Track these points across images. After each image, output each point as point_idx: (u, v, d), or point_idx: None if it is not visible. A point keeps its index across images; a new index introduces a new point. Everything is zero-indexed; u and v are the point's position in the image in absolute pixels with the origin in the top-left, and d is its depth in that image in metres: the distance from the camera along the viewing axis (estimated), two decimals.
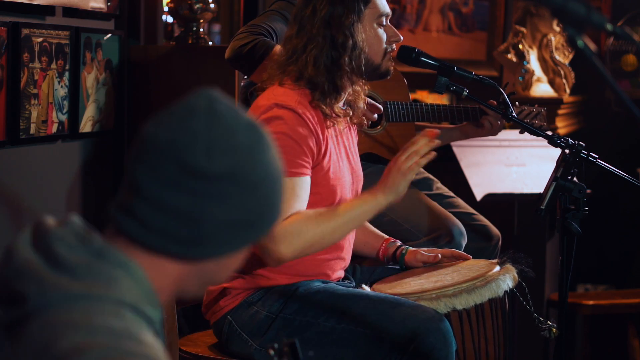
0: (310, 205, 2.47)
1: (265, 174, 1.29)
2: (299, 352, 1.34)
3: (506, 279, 2.49)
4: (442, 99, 4.79)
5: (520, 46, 4.75)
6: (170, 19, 4.26)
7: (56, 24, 3.29)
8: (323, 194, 2.50)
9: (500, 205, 4.14)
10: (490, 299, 2.46)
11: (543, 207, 2.43)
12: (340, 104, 2.54)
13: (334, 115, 2.50)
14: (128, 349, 1.15)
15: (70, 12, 3.36)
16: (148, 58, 3.78)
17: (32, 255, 1.24)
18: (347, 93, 2.53)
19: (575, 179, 2.44)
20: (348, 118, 2.56)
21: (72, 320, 1.17)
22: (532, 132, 2.63)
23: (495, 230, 3.37)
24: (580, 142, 2.47)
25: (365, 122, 2.71)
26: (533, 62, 4.81)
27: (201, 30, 3.86)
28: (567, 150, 2.47)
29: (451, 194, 3.46)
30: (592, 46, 1.48)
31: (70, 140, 3.43)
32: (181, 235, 1.27)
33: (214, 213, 1.26)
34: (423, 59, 2.71)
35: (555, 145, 2.50)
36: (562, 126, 4.77)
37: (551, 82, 4.88)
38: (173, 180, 1.25)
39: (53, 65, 3.26)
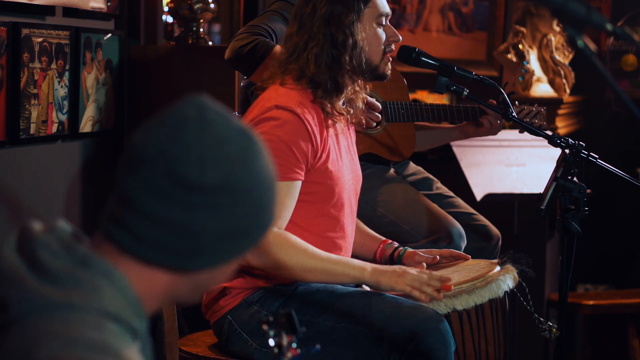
0: (310, 204, 2.48)
1: (258, 181, 1.28)
2: (295, 323, 1.34)
3: (506, 279, 2.49)
4: (442, 99, 4.79)
5: (520, 46, 4.75)
6: (170, 19, 4.26)
7: (56, 24, 3.29)
8: (322, 194, 2.50)
9: (500, 205, 4.14)
10: (490, 299, 2.46)
11: (543, 207, 2.43)
12: (341, 102, 2.54)
13: (335, 113, 2.51)
14: None
15: (70, 12, 3.36)
16: (148, 58, 3.78)
17: (17, 261, 1.23)
18: (348, 91, 2.54)
19: (575, 179, 2.44)
20: (348, 117, 2.57)
21: (51, 330, 1.16)
22: (532, 132, 2.63)
23: (495, 230, 3.37)
24: (580, 142, 2.46)
25: (364, 122, 2.71)
26: (533, 62, 4.81)
27: (201, 30, 3.86)
28: (567, 150, 2.46)
29: (451, 193, 3.46)
30: (592, 46, 1.48)
31: (70, 140, 3.43)
32: (176, 248, 1.25)
33: (208, 225, 1.25)
34: (423, 59, 2.71)
35: (555, 145, 2.50)
36: (562, 126, 4.77)
37: (551, 82, 4.88)
38: (166, 193, 1.23)
39: (53, 65, 3.26)
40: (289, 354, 1.35)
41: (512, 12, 5.11)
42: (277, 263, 2.38)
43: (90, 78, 3.48)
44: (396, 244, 2.74)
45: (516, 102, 3.41)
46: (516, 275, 2.52)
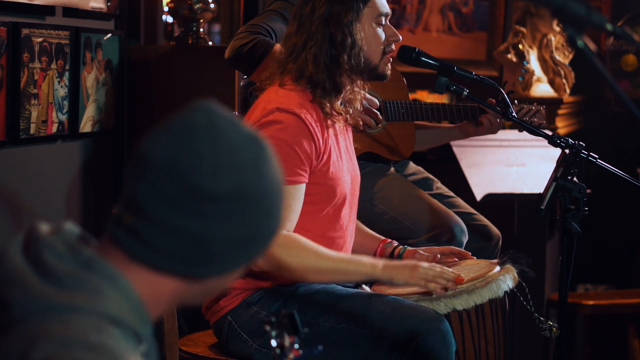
0: (312, 205, 2.48)
1: (268, 188, 1.28)
2: (298, 324, 1.34)
3: (506, 279, 2.49)
4: (442, 99, 4.79)
5: (520, 46, 4.75)
6: (170, 19, 4.26)
7: (56, 24, 3.29)
8: (323, 194, 2.50)
9: (500, 205, 4.13)
10: (490, 299, 2.46)
11: (543, 207, 2.43)
12: (339, 102, 2.54)
13: (334, 113, 2.51)
14: None
15: (70, 12, 3.36)
16: (148, 58, 3.78)
17: (22, 262, 1.23)
18: (346, 91, 2.54)
19: (575, 179, 2.44)
20: (347, 117, 2.56)
21: (50, 331, 1.16)
22: (532, 132, 2.63)
23: (495, 230, 3.37)
24: (580, 142, 2.46)
25: (361, 124, 2.71)
26: (533, 62, 4.80)
27: (201, 30, 3.86)
28: (567, 150, 2.46)
29: (451, 194, 3.46)
30: (592, 46, 1.48)
31: (70, 140, 3.43)
32: (187, 256, 1.25)
33: (220, 232, 1.25)
34: (423, 59, 2.70)
35: (555, 145, 2.50)
36: (562, 126, 4.77)
37: (551, 82, 4.88)
38: (178, 202, 1.23)
39: (53, 65, 3.26)
40: (291, 355, 1.36)
41: (512, 12, 5.10)
42: (289, 266, 2.38)
43: (90, 78, 3.48)
44: (396, 243, 2.74)
45: (515, 101, 3.41)
46: (516, 275, 2.52)
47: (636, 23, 5.32)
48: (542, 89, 4.80)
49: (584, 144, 2.46)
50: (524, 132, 3.01)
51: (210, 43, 3.90)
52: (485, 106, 2.89)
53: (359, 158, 2.75)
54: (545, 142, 2.54)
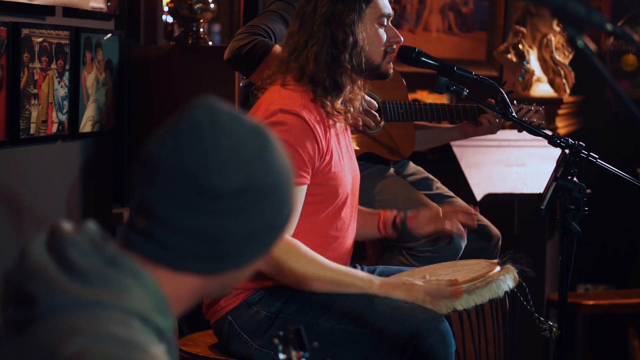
0: (315, 205, 2.48)
1: (276, 177, 1.30)
2: (304, 339, 1.35)
3: (506, 279, 2.49)
4: (442, 99, 4.79)
5: (520, 46, 4.75)
6: (170, 19, 4.26)
7: (56, 24, 3.28)
8: (325, 194, 2.50)
9: (500, 205, 4.14)
10: (490, 299, 2.46)
11: (543, 207, 2.43)
12: (340, 101, 2.54)
13: (335, 112, 2.51)
14: (130, 357, 1.15)
15: (70, 12, 3.36)
16: (148, 58, 3.78)
17: (46, 259, 1.24)
18: (347, 91, 2.54)
19: (575, 179, 2.43)
20: (347, 116, 2.56)
21: (79, 325, 1.17)
22: (532, 132, 2.63)
23: (495, 230, 3.36)
24: (580, 142, 2.46)
25: (360, 125, 2.72)
26: (533, 62, 4.80)
27: (201, 30, 3.86)
28: (567, 150, 2.46)
29: (451, 193, 3.46)
30: (592, 46, 1.48)
31: (70, 140, 3.42)
32: (204, 254, 1.27)
33: (234, 227, 1.27)
34: (423, 59, 2.70)
35: (555, 145, 2.50)
36: (562, 126, 4.77)
37: (551, 82, 4.88)
38: (190, 203, 1.24)
39: (53, 65, 3.26)
40: None
41: (512, 12, 5.10)
42: (290, 270, 2.39)
43: (90, 78, 3.48)
44: (395, 212, 2.74)
45: (514, 101, 3.41)
46: (516, 275, 2.52)
47: (636, 23, 5.32)
48: (542, 89, 4.80)
49: (584, 144, 2.46)
50: (524, 132, 3.01)
51: (210, 43, 3.90)
52: (485, 106, 2.89)
53: (358, 159, 2.75)
54: (545, 142, 2.54)
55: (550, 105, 4.28)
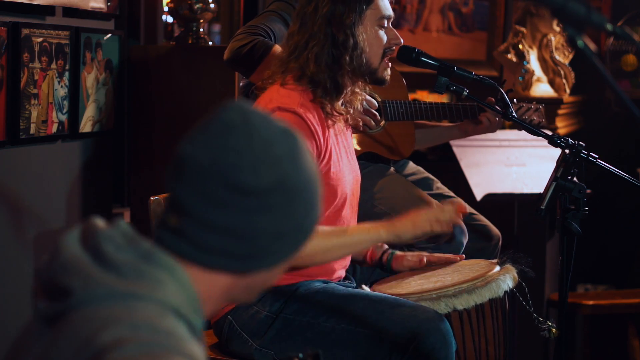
0: None
1: (307, 178, 1.32)
2: None
3: (506, 279, 2.49)
4: (442, 99, 4.79)
5: (520, 46, 4.75)
6: (170, 19, 4.26)
7: (56, 24, 3.29)
8: (326, 195, 2.50)
9: (500, 205, 4.14)
10: (490, 299, 2.46)
11: (543, 207, 2.43)
12: (340, 102, 2.54)
13: (335, 113, 2.51)
14: (169, 345, 1.16)
15: (70, 12, 3.36)
16: (148, 58, 3.78)
17: (80, 252, 1.26)
18: (347, 92, 2.54)
19: (575, 179, 2.43)
20: (347, 117, 2.56)
21: (115, 315, 1.19)
22: (532, 132, 2.63)
23: (495, 230, 3.37)
24: (580, 142, 2.46)
25: (361, 125, 2.71)
26: (533, 62, 4.80)
27: (201, 30, 3.86)
28: (567, 150, 2.46)
29: (451, 193, 3.46)
30: (592, 46, 1.48)
31: (70, 140, 3.43)
32: (237, 252, 1.29)
33: (266, 226, 1.28)
34: (423, 59, 2.70)
35: (555, 145, 2.50)
36: (562, 126, 4.77)
37: (551, 82, 4.88)
38: (223, 201, 1.26)
39: (53, 65, 3.26)
40: None
41: (512, 12, 5.10)
42: (313, 251, 2.36)
43: (90, 78, 3.48)
44: (385, 247, 2.74)
45: (514, 100, 3.41)
46: (516, 275, 2.52)
47: (636, 23, 5.32)
48: (542, 89, 4.80)
49: (584, 144, 2.46)
50: (524, 132, 3.01)
51: (210, 43, 3.90)
52: (485, 106, 2.88)
53: (358, 158, 2.75)
54: (545, 142, 2.54)
55: (550, 105, 4.28)
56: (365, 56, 2.50)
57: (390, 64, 2.60)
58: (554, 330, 2.48)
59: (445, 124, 3.56)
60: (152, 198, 2.53)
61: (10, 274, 3.11)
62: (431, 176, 3.50)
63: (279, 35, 3.02)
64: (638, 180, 2.56)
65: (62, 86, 3.32)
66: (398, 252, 2.71)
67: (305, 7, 2.51)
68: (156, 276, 1.24)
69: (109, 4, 3.56)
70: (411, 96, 4.51)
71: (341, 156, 2.55)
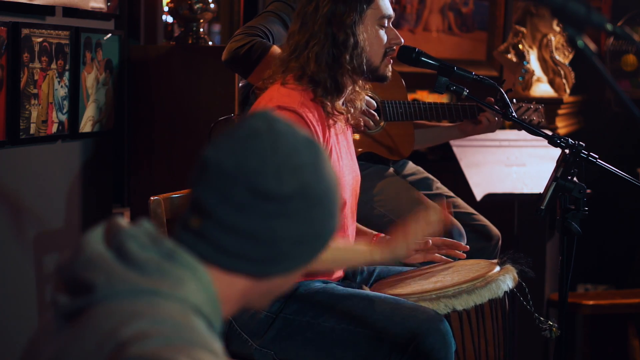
0: None
1: (328, 187, 1.34)
2: None
3: (506, 279, 2.49)
4: (442, 99, 4.79)
5: (520, 46, 4.75)
6: (170, 19, 4.26)
7: (56, 24, 3.29)
8: None
9: (500, 205, 4.13)
10: (490, 299, 2.46)
11: (543, 207, 2.43)
12: (341, 102, 2.54)
13: (335, 113, 2.51)
14: (191, 339, 1.17)
15: (70, 12, 3.36)
16: (148, 58, 3.78)
17: (104, 250, 1.27)
18: (348, 91, 2.54)
19: (575, 179, 2.43)
20: (348, 117, 2.56)
21: (138, 310, 1.20)
22: (531, 132, 2.63)
23: (495, 230, 3.37)
24: (580, 142, 2.46)
25: (362, 125, 2.71)
26: (533, 62, 4.80)
27: (201, 30, 3.86)
28: (567, 150, 2.46)
29: (451, 194, 3.46)
30: (592, 46, 1.48)
31: (70, 140, 3.43)
32: (256, 256, 1.30)
33: (287, 232, 1.30)
34: (423, 59, 2.70)
35: (555, 145, 2.50)
36: (562, 126, 4.77)
37: (551, 82, 4.88)
38: (246, 205, 1.28)
39: (53, 65, 3.26)
40: None
41: (512, 12, 5.10)
42: None
43: (90, 78, 3.48)
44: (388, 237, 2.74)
45: (514, 100, 3.41)
46: (516, 275, 2.52)
47: (636, 23, 5.32)
48: (542, 89, 4.80)
49: (584, 144, 2.46)
50: (524, 132, 3.01)
51: (210, 43, 3.90)
52: (485, 106, 2.88)
53: (358, 158, 2.75)
54: (545, 142, 2.54)
55: (550, 105, 4.28)
56: (365, 55, 2.50)
57: (391, 60, 2.60)
58: (555, 329, 2.48)
59: (445, 124, 3.56)
60: (152, 198, 2.53)
61: (10, 274, 3.11)
62: (431, 176, 3.50)
63: (277, 36, 3.02)
64: (638, 180, 2.56)
65: (62, 86, 3.32)
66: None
67: (306, 6, 2.51)
68: (178, 275, 1.26)
69: (109, 4, 3.56)
70: (411, 96, 4.51)
71: (341, 156, 2.55)
